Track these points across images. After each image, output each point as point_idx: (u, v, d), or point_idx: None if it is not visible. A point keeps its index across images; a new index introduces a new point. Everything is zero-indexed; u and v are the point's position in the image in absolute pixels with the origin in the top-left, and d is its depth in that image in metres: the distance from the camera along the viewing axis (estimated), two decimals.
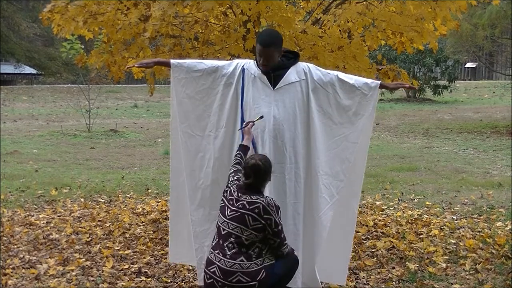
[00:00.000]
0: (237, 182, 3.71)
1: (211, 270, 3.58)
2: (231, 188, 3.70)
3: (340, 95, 4.04)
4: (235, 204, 3.61)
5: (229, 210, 3.62)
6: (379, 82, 4.10)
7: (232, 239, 3.57)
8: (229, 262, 3.54)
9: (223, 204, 3.69)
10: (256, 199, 3.57)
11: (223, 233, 3.62)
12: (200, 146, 4.11)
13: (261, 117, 3.92)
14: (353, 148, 4.06)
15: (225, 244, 3.59)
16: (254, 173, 3.62)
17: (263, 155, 3.79)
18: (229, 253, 3.56)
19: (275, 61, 3.95)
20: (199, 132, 4.12)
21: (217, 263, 3.57)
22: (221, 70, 4.07)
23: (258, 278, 3.51)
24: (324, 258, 4.09)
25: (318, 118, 4.03)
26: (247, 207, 3.56)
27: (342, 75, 4.11)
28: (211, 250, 3.67)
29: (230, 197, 3.66)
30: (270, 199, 3.61)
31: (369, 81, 4.11)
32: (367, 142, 4.19)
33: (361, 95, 4.04)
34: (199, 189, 4.11)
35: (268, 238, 3.57)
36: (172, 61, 4.12)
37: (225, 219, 3.61)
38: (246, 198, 3.59)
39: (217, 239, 3.67)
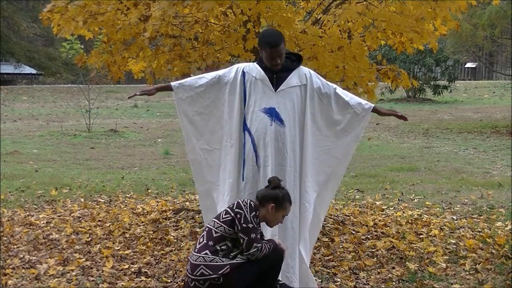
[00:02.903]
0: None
1: (186, 268, 3.65)
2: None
3: (333, 108, 4.08)
4: None
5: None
6: (373, 105, 4.13)
7: (204, 233, 3.63)
8: (195, 255, 3.57)
9: None
10: (239, 199, 3.66)
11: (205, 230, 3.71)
12: (220, 159, 4.12)
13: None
14: (332, 162, 4.12)
15: (198, 239, 3.67)
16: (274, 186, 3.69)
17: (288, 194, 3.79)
18: (197, 247, 3.60)
19: (284, 57, 3.97)
20: (216, 145, 4.13)
21: (190, 259, 3.62)
22: (222, 79, 4.08)
23: (220, 272, 3.48)
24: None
25: (310, 126, 4.05)
26: (227, 205, 3.69)
27: (339, 90, 4.13)
28: None
29: None
30: (248, 200, 3.66)
31: (363, 102, 4.15)
32: (347, 160, 4.23)
33: (353, 114, 4.09)
34: (226, 203, 4.04)
35: (239, 236, 3.55)
36: (172, 83, 4.13)
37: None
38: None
39: None
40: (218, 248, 3.55)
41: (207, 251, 3.54)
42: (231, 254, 3.57)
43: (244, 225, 3.53)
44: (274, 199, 3.68)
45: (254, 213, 3.59)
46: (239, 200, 3.66)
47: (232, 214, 3.56)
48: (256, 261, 3.56)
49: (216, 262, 3.51)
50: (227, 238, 3.56)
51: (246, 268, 3.53)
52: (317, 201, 4.12)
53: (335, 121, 4.09)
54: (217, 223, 3.59)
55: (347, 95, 4.13)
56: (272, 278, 3.70)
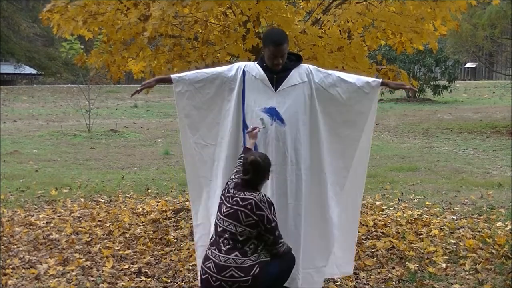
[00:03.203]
0: (236, 180, 3.73)
1: (207, 266, 3.61)
2: (229, 185, 3.72)
3: (342, 95, 4.07)
4: (230, 201, 3.63)
5: (224, 207, 3.65)
6: (380, 80, 4.15)
7: (227, 235, 3.60)
8: (223, 257, 3.56)
9: (220, 202, 3.71)
10: (249, 195, 3.59)
11: (219, 230, 3.65)
12: (214, 155, 4.12)
13: (262, 122, 3.95)
14: (356, 145, 4.16)
15: (220, 240, 3.62)
16: (253, 169, 3.63)
17: (262, 153, 3.81)
18: (224, 248, 3.58)
19: (285, 58, 3.97)
20: (211, 141, 4.13)
21: (213, 258, 3.60)
22: (222, 76, 4.07)
23: (251, 274, 3.51)
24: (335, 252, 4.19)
25: (322, 119, 4.06)
26: (240, 203, 3.58)
27: (343, 75, 4.14)
28: (209, 246, 3.70)
29: (227, 195, 3.68)
30: (262, 195, 3.62)
31: (370, 79, 4.15)
32: (369, 137, 4.27)
33: (363, 94, 4.08)
34: (217, 198, 4.02)
35: (262, 234, 3.58)
36: (172, 76, 4.12)
37: (221, 216, 3.65)
38: (240, 195, 3.61)
39: (214, 236, 3.70)
40: (247, 249, 3.57)
41: (237, 253, 3.55)
42: (258, 248, 3.61)
43: (268, 225, 3.56)
44: (269, 172, 3.73)
45: (272, 207, 3.61)
46: (255, 199, 3.57)
47: (255, 218, 3.54)
48: (277, 262, 3.63)
49: (247, 263, 3.54)
50: (252, 238, 3.58)
51: (271, 267, 3.61)
52: (350, 185, 4.18)
53: (347, 105, 4.09)
54: (240, 227, 3.55)
55: (352, 77, 4.13)
56: (283, 282, 3.76)
